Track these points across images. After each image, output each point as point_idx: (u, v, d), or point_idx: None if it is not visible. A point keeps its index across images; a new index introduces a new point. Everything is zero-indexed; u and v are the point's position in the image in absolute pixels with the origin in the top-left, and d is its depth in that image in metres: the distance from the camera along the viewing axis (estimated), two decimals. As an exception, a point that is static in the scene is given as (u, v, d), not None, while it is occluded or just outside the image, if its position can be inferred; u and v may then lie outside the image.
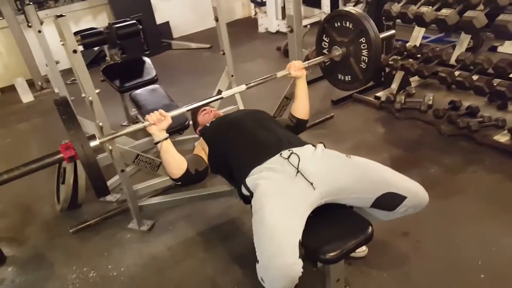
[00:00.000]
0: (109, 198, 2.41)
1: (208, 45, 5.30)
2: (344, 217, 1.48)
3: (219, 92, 2.61)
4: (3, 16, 4.32)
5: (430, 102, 2.91)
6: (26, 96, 4.43)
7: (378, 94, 3.17)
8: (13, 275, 2.00)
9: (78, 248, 2.12)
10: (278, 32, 5.54)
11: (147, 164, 2.07)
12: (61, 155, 1.31)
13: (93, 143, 1.34)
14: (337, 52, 1.89)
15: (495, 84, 2.29)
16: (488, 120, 2.58)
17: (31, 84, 4.55)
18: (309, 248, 1.34)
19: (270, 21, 5.59)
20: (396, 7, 2.71)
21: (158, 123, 1.48)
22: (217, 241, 2.03)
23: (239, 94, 2.63)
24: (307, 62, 1.82)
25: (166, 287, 1.80)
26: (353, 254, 1.76)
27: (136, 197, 2.13)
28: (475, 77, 2.40)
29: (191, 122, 2.27)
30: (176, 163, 1.55)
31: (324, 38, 1.98)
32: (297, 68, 1.80)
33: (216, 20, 2.34)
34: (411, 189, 1.42)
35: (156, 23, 5.21)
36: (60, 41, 1.56)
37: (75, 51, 1.53)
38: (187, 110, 1.62)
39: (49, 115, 3.93)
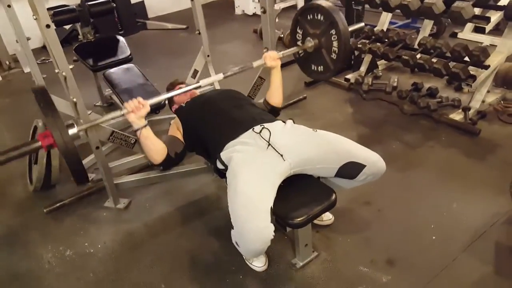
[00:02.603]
0: (84, 177, 2.42)
1: (184, 26, 5.23)
2: (310, 186, 1.60)
3: (195, 72, 2.65)
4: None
5: (395, 84, 3.08)
6: (-7, 76, 4.25)
7: (348, 76, 3.29)
8: (-15, 257, 1.96)
9: (53, 228, 2.11)
10: (254, 14, 5.54)
11: (123, 141, 2.09)
12: (39, 143, 1.27)
13: (71, 131, 1.31)
14: (310, 43, 1.96)
15: (451, 67, 2.47)
16: (445, 100, 2.77)
17: (-2, 63, 4.37)
18: (279, 214, 1.46)
19: (246, 3, 5.57)
20: (364, -8, 2.83)
21: (136, 111, 1.49)
22: (194, 216, 2.09)
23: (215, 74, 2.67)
24: (281, 52, 1.90)
25: (144, 261, 1.84)
26: (320, 223, 1.90)
27: (112, 175, 2.14)
28: (434, 60, 2.57)
29: (166, 101, 2.31)
30: (156, 149, 1.60)
31: (298, 30, 2.05)
32: (272, 58, 1.87)
33: (192, -1, 2.35)
34: (370, 158, 1.56)
35: (131, 2, 5.08)
36: (33, 15, 1.53)
37: (48, 26, 1.51)
38: (166, 98, 1.63)
39: (18, 96, 3.81)
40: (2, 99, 3.85)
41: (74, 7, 2.53)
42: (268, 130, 1.59)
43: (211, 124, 1.72)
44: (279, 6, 4.47)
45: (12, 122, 3.39)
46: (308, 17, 1.96)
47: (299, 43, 2.07)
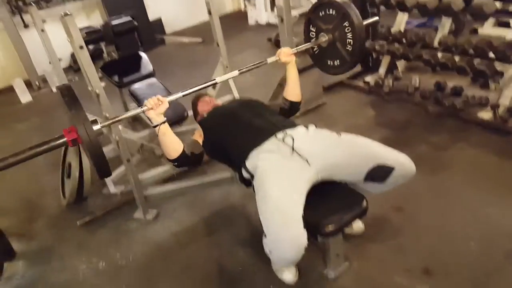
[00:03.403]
0: (113, 190, 2.46)
1: (200, 39, 5.36)
2: (340, 193, 1.58)
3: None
4: (-1, 18, 4.34)
5: (417, 84, 3.02)
6: (25, 96, 4.44)
7: (367, 79, 3.26)
8: (23, 269, 2.05)
9: (87, 240, 2.18)
10: (268, 24, 5.62)
11: (151, 153, 2.14)
12: (64, 139, 1.32)
13: (95, 127, 1.35)
14: (324, 38, 1.94)
15: (476, 64, 2.40)
16: (472, 99, 2.69)
17: (28, 84, 4.56)
18: (310, 223, 1.42)
19: (259, 13, 5.66)
20: (380, -6, 2.80)
21: (156, 107, 1.52)
22: (220, 225, 2.11)
23: (233, 83, 2.71)
24: (295, 48, 1.89)
25: (173, 271, 1.87)
26: (351, 232, 1.85)
27: (142, 187, 2.20)
28: (457, 58, 2.50)
29: (190, 113, 2.34)
30: (173, 145, 1.62)
31: (311, 28, 2.03)
32: (286, 54, 1.86)
33: (209, 13, 2.40)
34: (398, 159, 1.52)
35: (149, 19, 5.25)
36: (67, 38, 1.61)
37: (81, 47, 1.59)
38: (183, 95, 1.67)
39: (48, 114, 3.96)
40: (34, 117, 4.01)
41: (99, 27, 2.64)
42: (291, 136, 1.58)
43: (233, 134, 1.73)
44: (294, 13, 4.50)
45: (44, 139, 3.50)
46: (320, 14, 1.95)
47: (312, 40, 2.05)
